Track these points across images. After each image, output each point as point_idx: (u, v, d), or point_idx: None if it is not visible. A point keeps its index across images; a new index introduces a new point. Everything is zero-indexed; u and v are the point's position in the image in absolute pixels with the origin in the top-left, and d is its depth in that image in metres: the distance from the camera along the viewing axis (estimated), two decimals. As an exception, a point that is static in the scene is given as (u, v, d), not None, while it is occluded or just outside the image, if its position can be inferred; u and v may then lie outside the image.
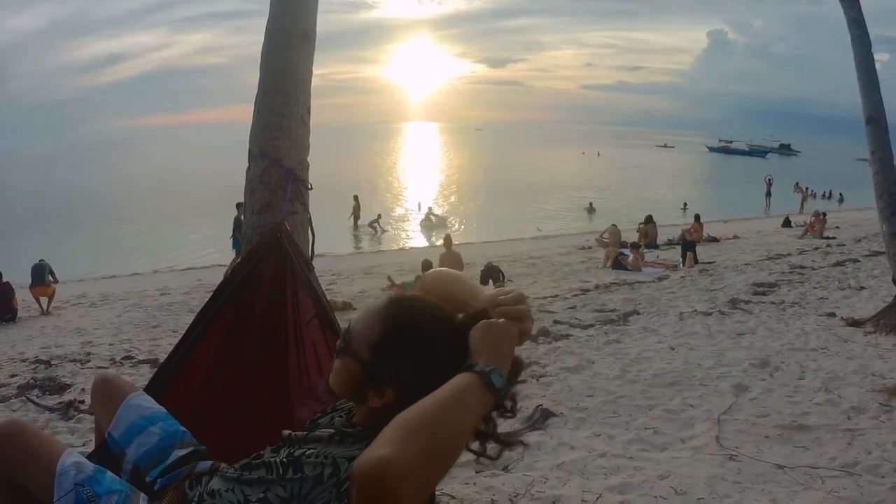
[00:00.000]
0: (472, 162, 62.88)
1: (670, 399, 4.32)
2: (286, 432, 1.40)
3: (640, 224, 16.92)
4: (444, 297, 1.34)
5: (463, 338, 1.20)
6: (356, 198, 23.74)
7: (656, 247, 15.91)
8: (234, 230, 12.08)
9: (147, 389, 2.03)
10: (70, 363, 6.08)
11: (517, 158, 66.52)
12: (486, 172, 48.13)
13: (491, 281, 11.05)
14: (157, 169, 51.14)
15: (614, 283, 10.21)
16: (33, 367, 5.98)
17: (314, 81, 3.14)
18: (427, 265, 11.24)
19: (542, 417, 3.96)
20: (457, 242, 12.78)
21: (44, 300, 10.59)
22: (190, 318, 2.29)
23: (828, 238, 16.20)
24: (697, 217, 17.47)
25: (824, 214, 18.30)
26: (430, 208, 26.23)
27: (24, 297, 10.44)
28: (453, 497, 2.84)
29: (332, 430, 1.31)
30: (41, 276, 10.60)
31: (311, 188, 2.96)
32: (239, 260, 2.61)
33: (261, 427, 2.02)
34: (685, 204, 27.58)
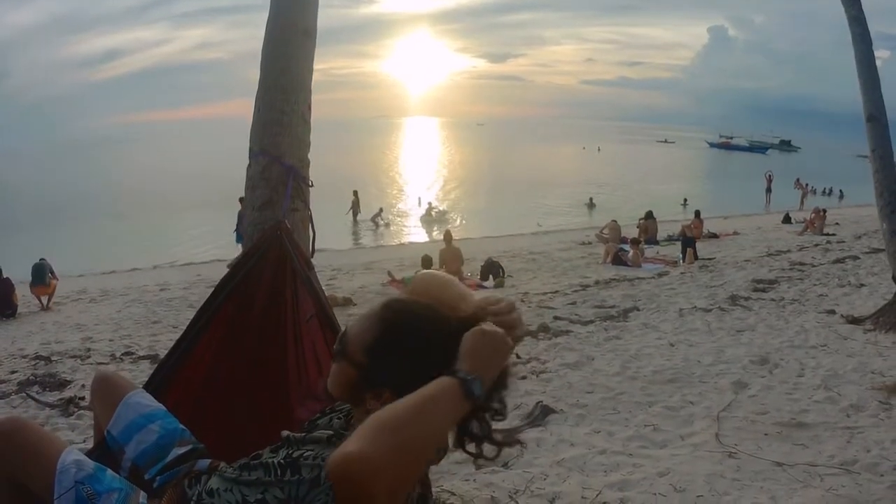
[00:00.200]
0: (473, 157, 62.80)
1: (670, 396, 4.32)
2: (285, 433, 1.41)
3: (640, 220, 16.93)
4: (433, 300, 1.34)
5: (458, 340, 1.20)
6: (355, 193, 23.75)
7: (656, 243, 15.91)
8: (237, 224, 12.10)
9: (148, 385, 2.04)
10: (70, 359, 6.07)
11: (518, 154, 66.49)
12: (486, 168, 48.12)
13: (491, 276, 11.05)
14: (156, 165, 51.08)
15: (614, 279, 10.20)
16: (33, 363, 5.97)
17: (314, 77, 3.13)
18: (427, 260, 11.23)
19: (541, 414, 3.95)
20: (457, 237, 12.78)
21: (44, 298, 10.59)
22: (190, 314, 2.28)
23: (828, 235, 16.18)
24: (697, 213, 17.48)
25: (824, 211, 18.28)
26: (430, 203, 26.24)
27: (23, 293, 10.44)
28: (453, 494, 2.84)
29: (330, 432, 1.32)
30: (42, 276, 10.58)
31: (312, 185, 2.96)
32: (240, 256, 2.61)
33: (260, 425, 2.02)
34: (685, 200, 27.62)
